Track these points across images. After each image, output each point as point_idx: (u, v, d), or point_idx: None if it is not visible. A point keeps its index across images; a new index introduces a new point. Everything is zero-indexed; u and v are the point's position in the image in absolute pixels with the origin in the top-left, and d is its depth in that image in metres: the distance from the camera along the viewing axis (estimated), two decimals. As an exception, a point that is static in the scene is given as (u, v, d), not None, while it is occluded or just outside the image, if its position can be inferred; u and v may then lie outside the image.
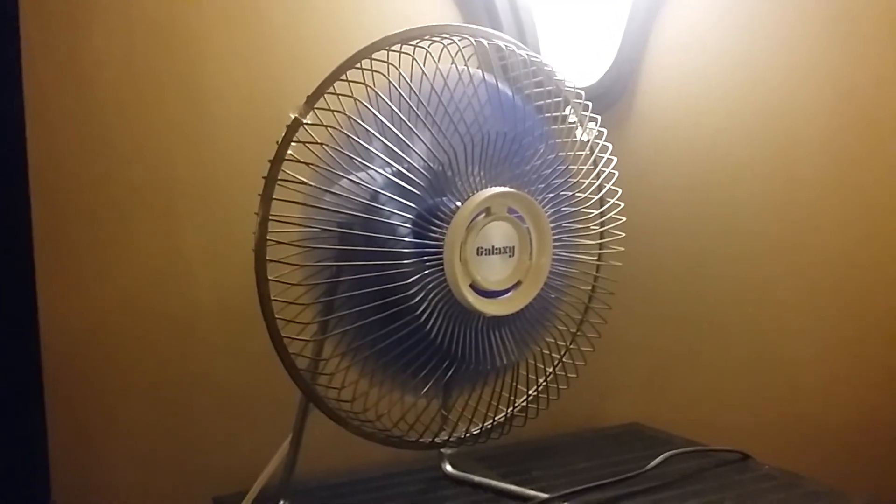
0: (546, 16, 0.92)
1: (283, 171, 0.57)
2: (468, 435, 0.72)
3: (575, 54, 0.95)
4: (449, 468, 0.80)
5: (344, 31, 0.84)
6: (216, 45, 0.79)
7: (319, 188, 0.59)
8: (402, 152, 0.59)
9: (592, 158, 0.70)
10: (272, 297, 0.58)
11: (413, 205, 0.60)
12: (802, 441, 1.18)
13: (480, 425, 0.72)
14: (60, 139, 0.74)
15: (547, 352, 0.72)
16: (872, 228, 1.23)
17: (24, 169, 0.70)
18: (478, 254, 0.62)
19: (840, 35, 1.18)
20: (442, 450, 0.80)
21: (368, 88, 0.58)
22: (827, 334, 1.21)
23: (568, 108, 0.69)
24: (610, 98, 0.98)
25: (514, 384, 0.70)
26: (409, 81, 0.59)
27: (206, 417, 0.80)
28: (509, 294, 0.65)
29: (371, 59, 0.59)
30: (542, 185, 0.65)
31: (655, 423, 1.00)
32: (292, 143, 0.57)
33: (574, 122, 0.70)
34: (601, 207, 0.72)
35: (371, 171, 0.60)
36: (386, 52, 0.59)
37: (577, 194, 0.69)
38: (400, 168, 0.59)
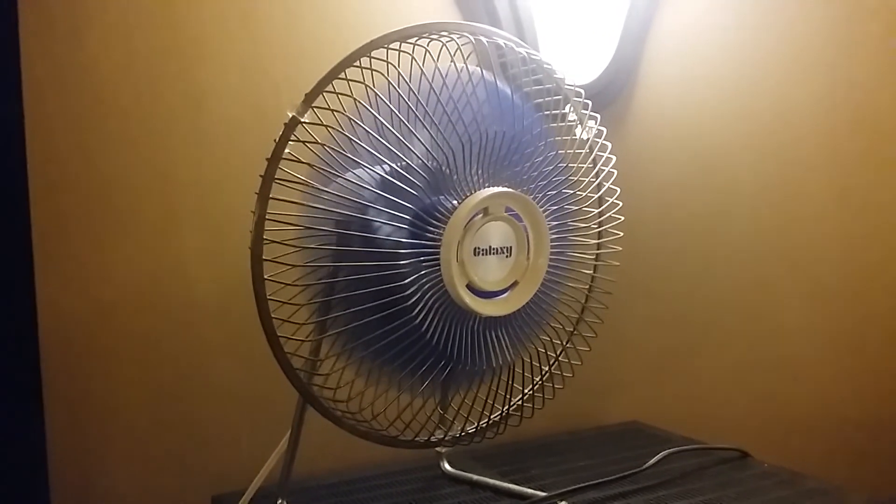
0: (545, 13, 0.91)
1: (281, 169, 0.57)
2: (464, 434, 0.72)
3: (573, 52, 0.95)
4: (447, 467, 0.80)
5: (341, 30, 0.84)
6: (214, 43, 0.79)
7: (316, 187, 0.58)
8: (400, 152, 0.59)
9: (592, 157, 0.70)
10: (268, 297, 0.58)
11: (410, 204, 0.60)
12: (801, 439, 1.18)
13: (476, 424, 0.72)
14: (59, 137, 0.74)
15: (543, 350, 0.72)
16: (871, 226, 1.23)
17: (23, 167, 0.70)
18: (475, 254, 0.61)
19: (838, 34, 1.18)
20: (438, 449, 0.80)
21: (367, 87, 0.58)
22: (825, 333, 1.21)
23: (567, 106, 0.69)
24: (608, 96, 0.98)
25: (511, 383, 0.70)
26: (407, 81, 0.58)
27: (205, 416, 0.80)
28: (506, 294, 0.65)
29: (370, 58, 0.58)
30: (541, 185, 0.65)
31: (654, 421, 1.00)
32: (290, 142, 0.57)
33: (573, 121, 0.69)
34: (600, 207, 0.71)
35: (368, 170, 0.60)
36: (385, 50, 0.59)
37: (577, 193, 0.68)
38: (397, 167, 0.59)
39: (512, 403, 0.71)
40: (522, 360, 0.70)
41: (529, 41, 0.89)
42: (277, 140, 0.57)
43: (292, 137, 0.57)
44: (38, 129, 0.72)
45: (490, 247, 0.62)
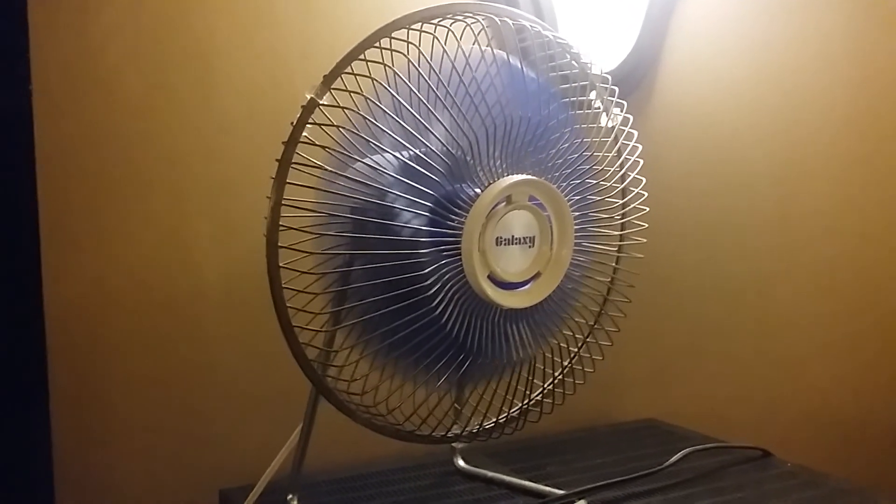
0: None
1: (298, 153, 0.54)
2: (481, 429, 0.70)
3: (594, 38, 0.93)
4: (461, 463, 0.78)
5: (355, 13, 0.81)
6: (225, 27, 0.77)
7: (334, 172, 0.56)
8: (421, 135, 0.57)
9: (617, 146, 0.68)
10: (283, 285, 0.56)
11: (431, 191, 0.57)
12: (819, 437, 1.16)
13: (494, 420, 0.70)
14: (67, 125, 0.72)
15: (564, 345, 0.70)
16: (886, 223, 1.20)
17: (30, 155, 0.68)
18: (497, 244, 0.59)
19: (859, 22, 1.15)
20: (454, 444, 0.78)
21: (387, 68, 0.56)
22: (840, 330, 1.18)
23: (593, 92, 0.67)
24: (629, 85, 0.95)
25: (530, 378, 0.68)
26: (429, 61, 0.56)
27: (213, 408, 0.79)
28: (528, 286, 0.62)
29: (391, 38, 0.56)
30: (566, 173, 0.62)
31: (670, 418, 0.98)
32: (307, 125, 0.55)
33: (599, 108, 0.67)
34: (624, 197, 0.69)
35: (388, 155, 0.57)
36: (406, 30, 0.57)
37: (601, 183, 0.66)
38: (418, 152, 0.57)
39: (531, 399, 0.69)
40: (543, 355, 0.68)
41: (549, 26, 0.86)
42: (295, 123, 0.55)
43: (310, 120, 0.55)
44: (46, 119, 0.70)
45: (513, 236, 0.60)
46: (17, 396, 0.67)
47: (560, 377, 0.71)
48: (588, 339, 0.71)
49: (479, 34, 0.59)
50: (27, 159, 0.68)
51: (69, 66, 0.71)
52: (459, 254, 0.58)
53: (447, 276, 0.58)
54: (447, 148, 0.57)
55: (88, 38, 0.72)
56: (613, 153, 0.68)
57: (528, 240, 0.61)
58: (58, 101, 0.71)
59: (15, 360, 0.67)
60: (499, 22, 0.61)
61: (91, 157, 0.73)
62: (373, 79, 0.55)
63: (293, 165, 0.55)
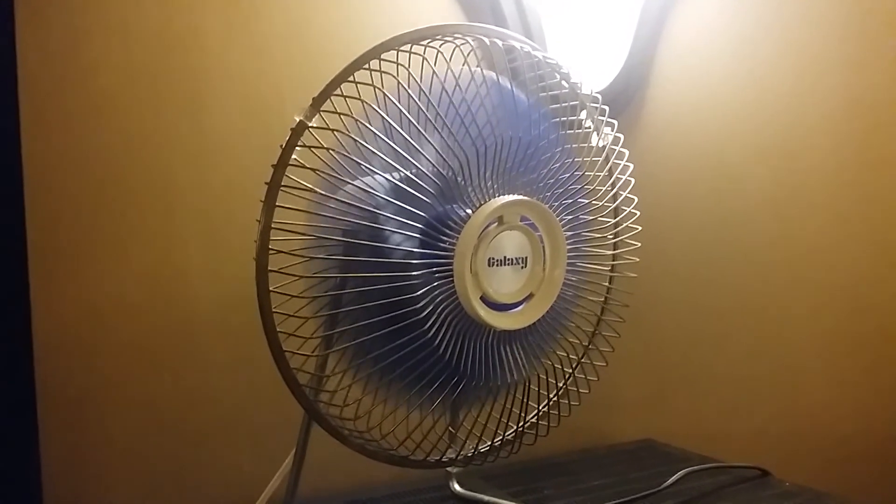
0: (554, 19, 0.89)
1: (287, 176, 0.54)
2: (476, 453, 0.69)
3: (583, 59, 0.93)
4: (457, 487, 0.77)
5: (344, 35, 0.82)
6: (216, 48, 0.76)
7: (324, 195, 0.56)
8: (411, 157, 0.56)
9: (608, 165, 0.68)
10: (273, 309, 0.56)
11: (422, 212, 0.57)
12: (815, 455, 1.15)
13: (489, 443, 0.69)
14: (57, 144, 0.72)
15: (558, 366, 0.69)
16: (883, 235, 1.20)
17: (19, 174, 0.68)
18: (489, 265, 0.59)
19: (849, 39, 1.16)
20: (449, 468, 0.77)
21: (377, 90, 0.55)
22: (838, 347, 1.18)
23: (583, 112, 0.67)
24: (619, 104, 0.95)
25: (525, 400, 0.67)
26: (419, 82, 0.56)
27: (205, 432, 0.78)
28: (521, 307, 0.62)
29: (380, 60, 0.56)
30: (557, 193, 0.62)
31: (667, 438, 0.97)
32: (297, 148, 0.54)
33: (589, 127, 0.67)
34: (616, 216, 0.69)
35: (378, 177, 0.57)
36: (396, 52, 0.56)
37: (593, 202, 0.66)
38: (408, 173, 0.57)
39: (526, 421, 0.68)
40: (538, 376, 0.67)
41: (538, 46, 0.87)
42: (284, 146, 0.55)
43: (299, 143, 0.55)
44: (35, 135, 0.70)
45: (505, 257, 0.60)
46: (5, 422, 0.66)
47: (555, 398, 0.70)
48: (583, 360, 0.71)
49: (468, 55, 0.59)
50: (15, 175, 0.67)
51: (59, 89, 0.71)
52: (451, 275, 0.58)
53: (439, 298, 0.58)
54: (438, 169, 0.57)
55: (79, 56, 0.72)
56: (605, 172, 0.68)
57: (520, 260, 0.61)
58: (47, 123, 0.71)
59: (3, 385, 0.66)
60: (488, 43, 0.61)
61: (80, 176, 0.72)
62: (362, 101, 0.55)
63: (283, 188, 0.54)
